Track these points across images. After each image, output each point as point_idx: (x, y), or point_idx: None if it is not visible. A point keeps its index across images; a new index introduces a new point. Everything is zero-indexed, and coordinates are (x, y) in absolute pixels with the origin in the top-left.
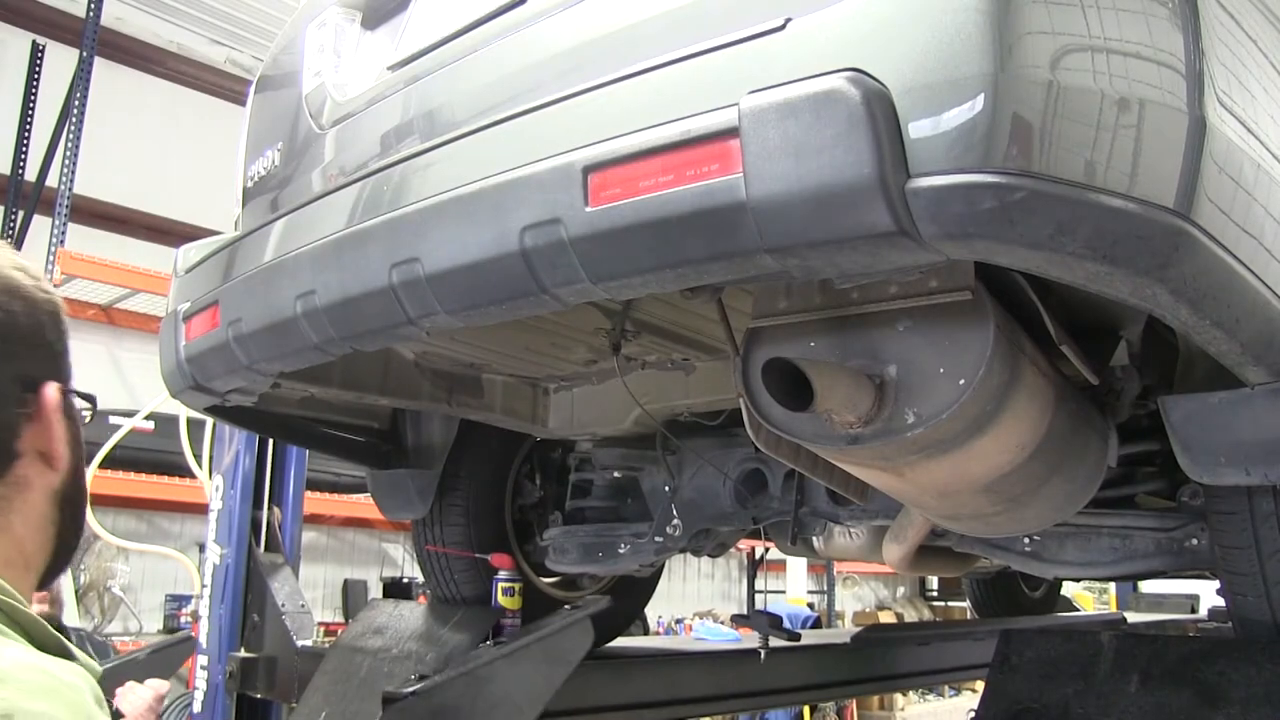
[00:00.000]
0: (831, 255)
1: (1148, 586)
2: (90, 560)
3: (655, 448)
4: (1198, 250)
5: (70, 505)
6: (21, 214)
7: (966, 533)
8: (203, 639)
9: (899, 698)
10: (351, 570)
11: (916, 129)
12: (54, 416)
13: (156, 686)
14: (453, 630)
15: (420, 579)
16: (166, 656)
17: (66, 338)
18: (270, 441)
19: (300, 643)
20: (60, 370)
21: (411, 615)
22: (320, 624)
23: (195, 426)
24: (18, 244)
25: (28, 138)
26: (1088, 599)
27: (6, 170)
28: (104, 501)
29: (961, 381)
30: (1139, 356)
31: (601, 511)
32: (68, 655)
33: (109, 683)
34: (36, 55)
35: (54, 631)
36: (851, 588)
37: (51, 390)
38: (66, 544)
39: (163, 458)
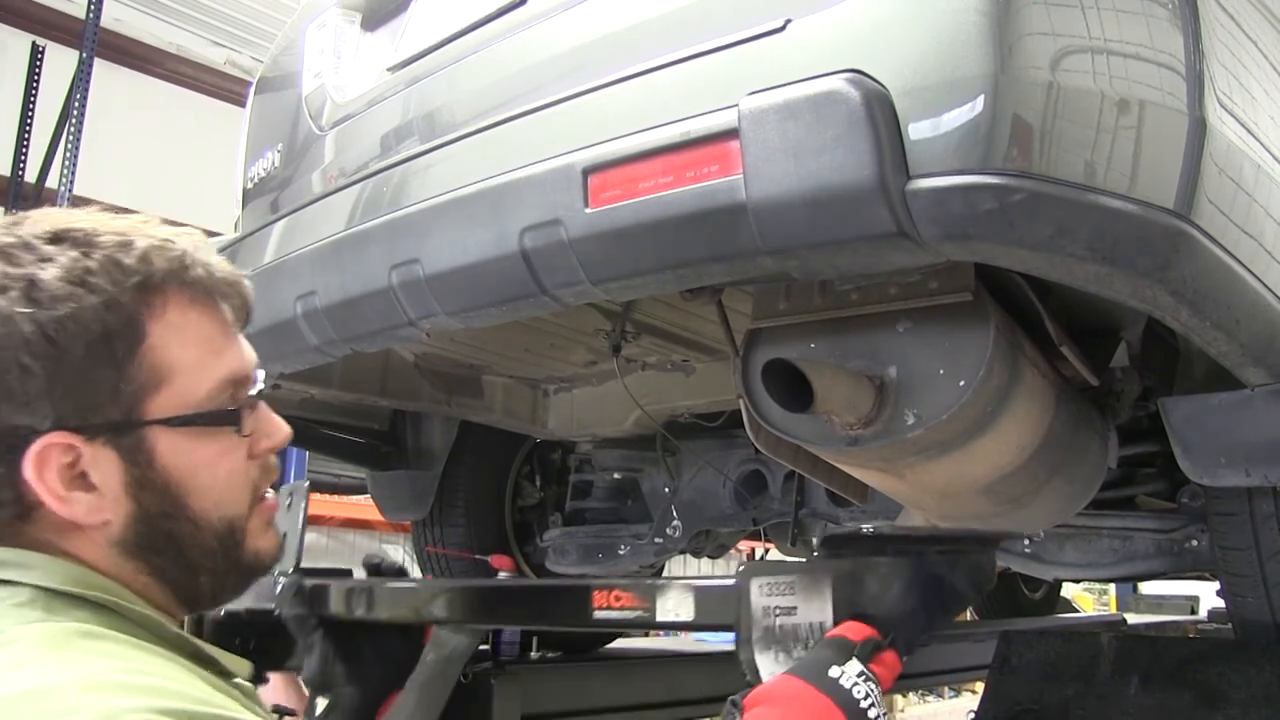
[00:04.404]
0: (831, 256)
1: (1148, 588)
2: None
3: (655, 449)
4: (1198, 251)
5: (159, 552)
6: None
7: None
8: None
9: (899, 698)
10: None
11: (916, 130)
12: (47, 475)
13: None
14: (453, 630)
15: None
16: None
17: (126, 341)
18: None
19: None
20: (85, 401)
21: None
22: None
23: None
24: None
25: (28, 139)
26: (1088, 600)
27: (6, 171)
28: None
29: (961, 383)
30: (1139, 358)
31: (601, 513)
32: (194, 653)
33: None
34: (36, 56)
35: (175, 630)
36: None
37: (41, 446)
38: (190, 586)
39: None
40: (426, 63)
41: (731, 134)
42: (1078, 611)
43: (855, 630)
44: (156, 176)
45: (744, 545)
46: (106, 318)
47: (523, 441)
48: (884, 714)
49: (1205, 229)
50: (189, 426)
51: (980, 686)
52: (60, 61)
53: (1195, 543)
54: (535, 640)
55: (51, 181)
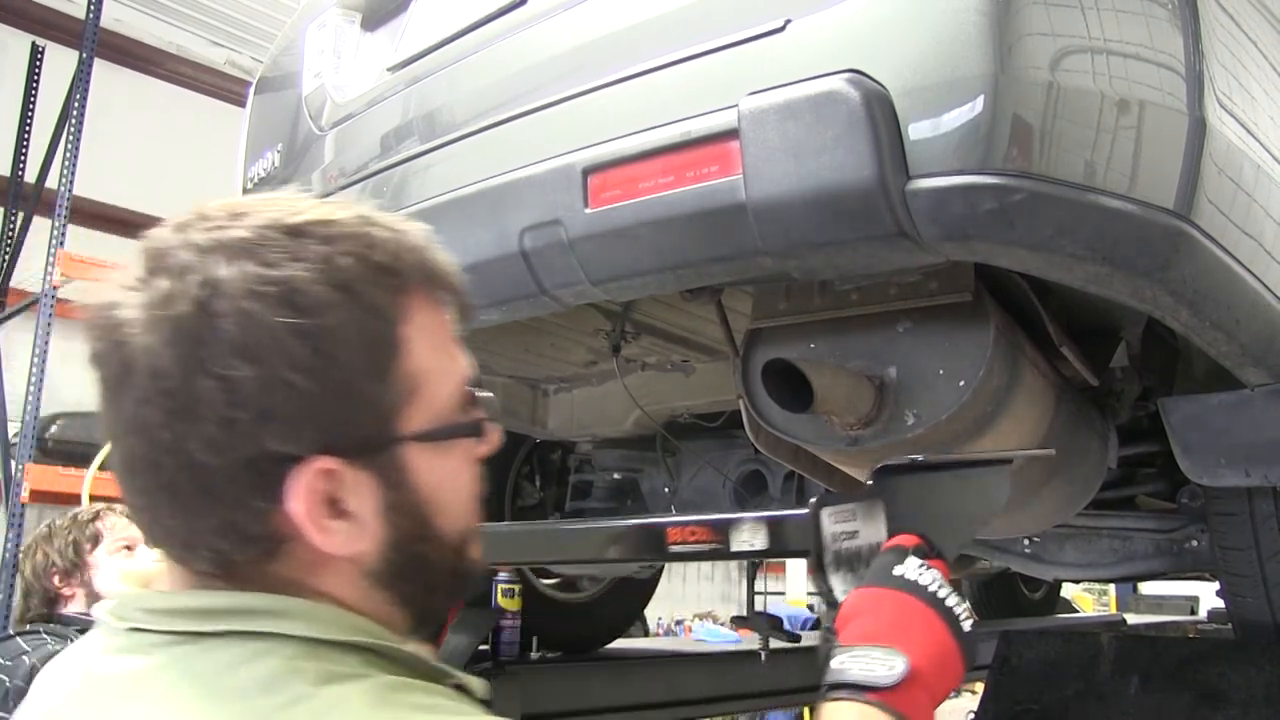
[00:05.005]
0: (831, 256)
1: (1147, 588)
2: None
3: (655, 449)
4: (1198, 252)
5: (408, 579)
6: (21, 215)
7: None
8: None
9: None
10: None
11: (916, 130)
12: (311, 506)
13: None
14: (452, 631)
15: None
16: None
17: (392, 354)
18: None
19: None
20: (346, 420)
21: None
22: None
23: None
24: (17, 245)
25: (27, 139)
26: (1087, 601)
27: (6, 171)
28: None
29: (961, 383)
30: (1139, 358)
31: (601, 513)
32: (443, 678)
33: None
34: (36, 57)
35: (434, 663)
36: None
37: (309, 474)
38: (428, 607)
39: None
40: (426, 63)
41: (731, 134)
42: (1077, 612)
43: (905, 539)
44: (156, 176)
45: None
46: (367, 324)
47: (522, 441)
48: (952, 591)
49: (1205, 229)
50: (446, 440)
51: (980, 686)
52: (60, 61)
53: (1195, 543)
54: (535, 640)
55: (51, 182)
